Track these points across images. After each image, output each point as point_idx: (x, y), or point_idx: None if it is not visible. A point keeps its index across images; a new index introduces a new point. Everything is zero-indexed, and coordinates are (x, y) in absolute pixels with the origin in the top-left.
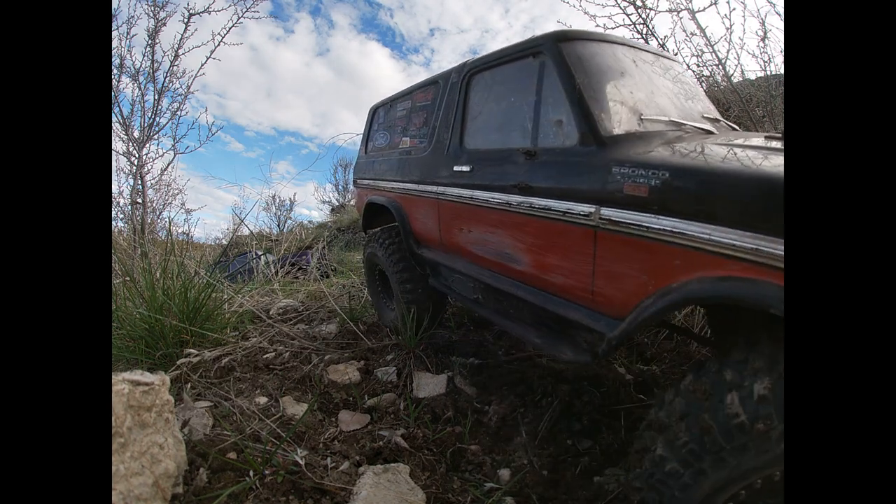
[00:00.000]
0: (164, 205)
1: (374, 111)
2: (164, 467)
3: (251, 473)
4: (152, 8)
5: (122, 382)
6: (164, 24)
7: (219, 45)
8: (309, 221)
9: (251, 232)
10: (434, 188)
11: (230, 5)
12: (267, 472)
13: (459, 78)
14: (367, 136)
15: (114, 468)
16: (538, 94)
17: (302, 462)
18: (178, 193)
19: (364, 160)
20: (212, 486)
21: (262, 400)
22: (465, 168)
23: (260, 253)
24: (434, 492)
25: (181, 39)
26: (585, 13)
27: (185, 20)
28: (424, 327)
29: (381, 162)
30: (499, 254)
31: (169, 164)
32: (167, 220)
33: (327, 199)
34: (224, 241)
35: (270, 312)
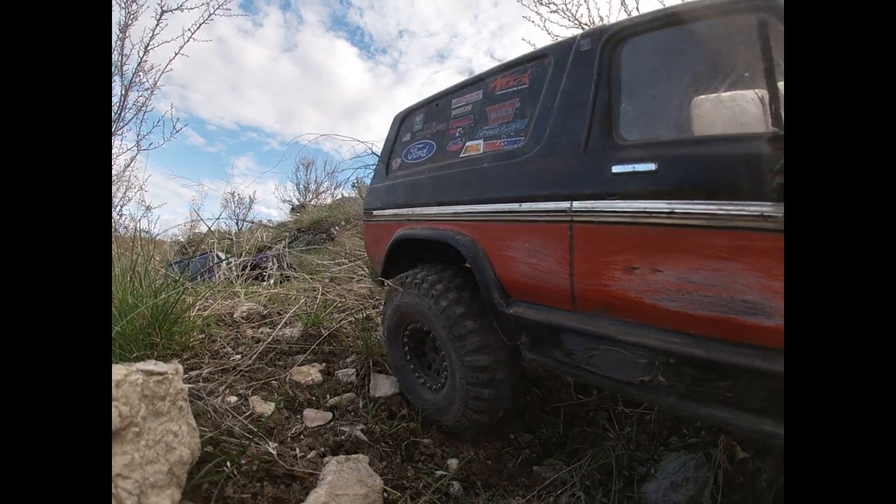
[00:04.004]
0: (125, 201)
1: (404, 119)
2: (178, 455)
3: (228, 463)
4: (125, 0)
5: (135, 373)
6: (136, 18)
7: (188, 40)
8: (268, 220)
9: (209, 229)
10: (562, 205)
11: (203, 3)
12: (243, 461)
13: (595, 47)
14: (391, 153)
15: (129, 457)
16: (767, 60)
17: (274, 452)
18: (138, 190)
19: (385, 185)
20: (192, 475)
21: (233, 399)
22: (645, 167)
23: (222, 256)
24: (390, 478)
25: (152, 35)
26: (548, 33)
27: (157, 16)
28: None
29: (424, 181)
30: (724, 304)
31: (132, 160)
32: (128, 217)
33: (287, 198)
34: (181, 238)
35: (234, 316)
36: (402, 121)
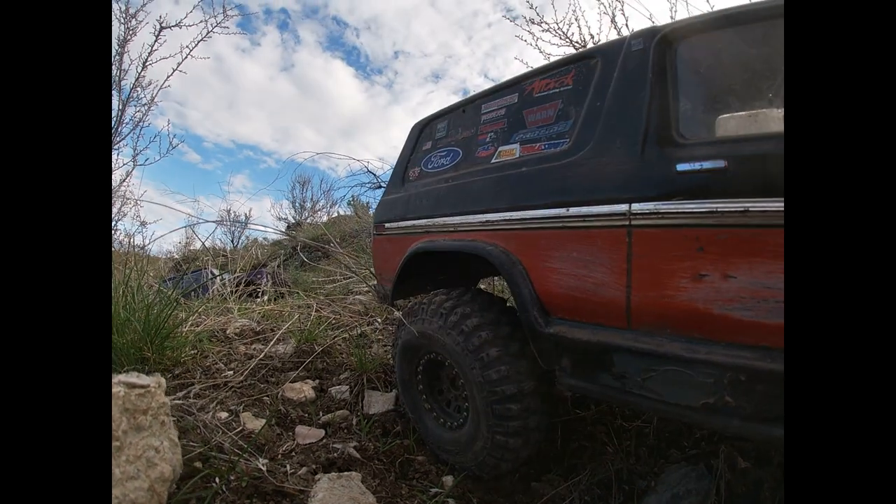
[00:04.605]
0: (120, 216)
1: (424, 126)
2: (159, 471)
3: (217, 479)
4: (124, 16)
5: (117, 385)
6: (135, 34)
7: (186, 57)
8: (264, 238)
9: (204, 246)
10: (619, 208)
11: (201, 21)
12: (231, 477)
13: (648, 46)
14: (408, 162)
15: None
16: None
17: (264, 469)
18: (134, 205)
19: (400, 195)
20: (180, 490)
21: (223, 415)
22: (713, 164)
23: (216, 272)
24: (384, 496)
25: (150, 51)
26: (541, 51)
27: (156, 32)
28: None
29: (448, 190)
30: None
31: (128, 175)
32: (122, 232)
33: (283, 216)
34: (176, 255)
35: (227, 332)
36: (423, 129)
